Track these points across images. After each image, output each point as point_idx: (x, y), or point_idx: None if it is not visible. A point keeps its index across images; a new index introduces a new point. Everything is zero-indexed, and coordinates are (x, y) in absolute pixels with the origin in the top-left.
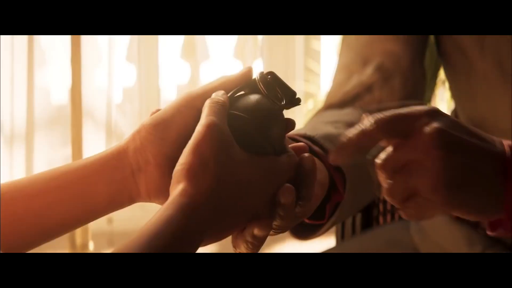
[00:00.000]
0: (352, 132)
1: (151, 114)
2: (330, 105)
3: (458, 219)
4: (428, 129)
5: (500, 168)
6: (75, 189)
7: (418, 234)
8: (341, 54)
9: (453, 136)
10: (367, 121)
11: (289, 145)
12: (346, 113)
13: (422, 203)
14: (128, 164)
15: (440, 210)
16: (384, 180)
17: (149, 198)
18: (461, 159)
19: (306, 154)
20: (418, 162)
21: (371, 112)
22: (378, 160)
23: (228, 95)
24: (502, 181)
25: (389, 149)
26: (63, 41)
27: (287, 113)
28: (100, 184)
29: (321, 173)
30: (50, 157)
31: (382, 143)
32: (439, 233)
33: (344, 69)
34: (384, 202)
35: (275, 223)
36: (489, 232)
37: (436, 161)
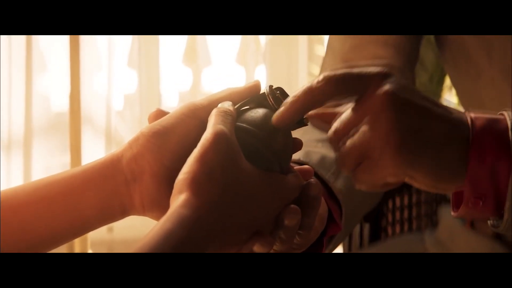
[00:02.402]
0: (299, 90)
1: (150, 115)
2: (311, 115)
3: (477, 230)
4: (378, 91)
5: (457, 134)
6: (61, 200)
7: (434, 247)
8: (325, 59)
9: (403, 97)
10: (316, 79)
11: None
12: None
13: (373, 166)
14: (121, 172)
15: (391, 174)
16: (336, 149)
17: (143, 211)
18: (411, 121)
19: (313, 180)
20: (368, 125)
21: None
22: (330, 131)
23: (235, 107)
24: (461, 148)
25: (340, 117)
26: (62, 46)
27: None
28: (89, 194)
29: (321, 206)
30: (49, 164)
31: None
32: (458, 246)
33: None
34: (393, 212)
35: (274, 247)
36: (453, 213)
37: (385, 123)
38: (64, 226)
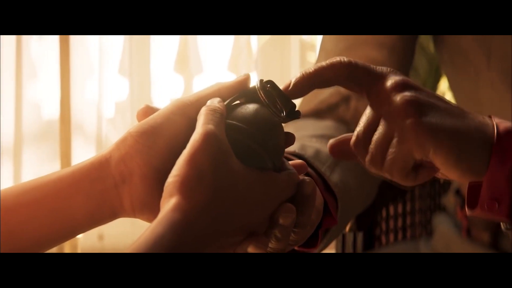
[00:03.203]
0: (309, 67)
1: (139, 112)
2: (304, 113)
3: (474, 238)
4: (388, 83)
5: (481, 122)
6: (49, 204)
7: None
8: (318, 60)
9: (415, 84)
10: (329, 60)
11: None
12: (328, 127)
13: (398, 144)
14: (110, 175)
15: (417, 146)
16: (362, 155)
17: (133, 213)
18: (427, 98)
19: (307, 179)
20: (387, 114)
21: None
22: (352, 140)
23: (224, 103)
24: (486, 140)
25: (358, 124)
26: (53, 53)
27: None
28: (77, 197)
29: (318, 199)
30: (39, 172)
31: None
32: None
33: None
34: (387, 221)
35: (270, 245)
36: (468, 212)
37: (402, 102)
38: (52, 229)
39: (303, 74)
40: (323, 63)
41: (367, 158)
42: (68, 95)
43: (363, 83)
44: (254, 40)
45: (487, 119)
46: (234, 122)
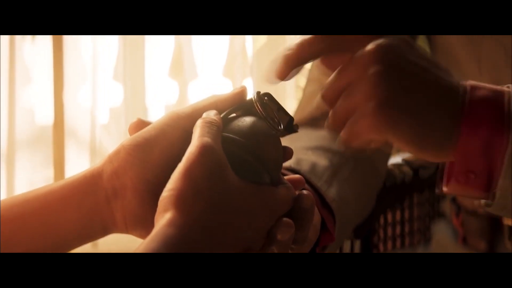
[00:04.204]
0: (292, 45)
1: (131, 125)
2: (299, 121)
3: (470, 246)
4: (369, 46)
5: (446, 102)
6: (38, 219)
7: None
8: (312, 64)
9: (393, 54)
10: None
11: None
12: (324, 137)
13: (358, 120)
14: (102, 188)
15: (375, 131)
16: (329, 106)
17: (126, 229)
18: (398, 79)
19: (305, 192)
20: (356, 80)
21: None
22: (322, 90)
23: (221, 116)
24: (450, 117)
25: (330, 77)
26: (47, 58)
27: None
28: (68, 211)
29: (315, 215)
30: (32, 178)
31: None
32: None
33: (316, 80)
34: (385, 228)
35: None
36: (444, 188)
37: (371, 77)
38: (41, 245)
39: (286, 58)
40: (304, 40)
41: (330, 117)
42: (61, 101)
43: (347, 49)
44: (249, 45)
45: (457, 86)
46: (231, 135)
